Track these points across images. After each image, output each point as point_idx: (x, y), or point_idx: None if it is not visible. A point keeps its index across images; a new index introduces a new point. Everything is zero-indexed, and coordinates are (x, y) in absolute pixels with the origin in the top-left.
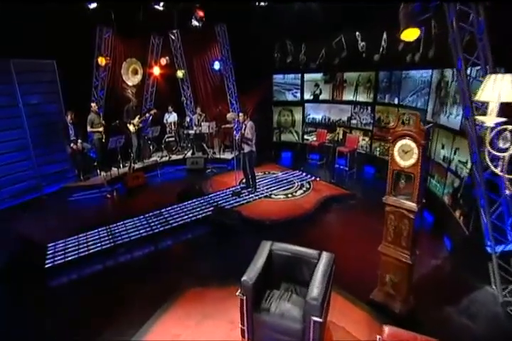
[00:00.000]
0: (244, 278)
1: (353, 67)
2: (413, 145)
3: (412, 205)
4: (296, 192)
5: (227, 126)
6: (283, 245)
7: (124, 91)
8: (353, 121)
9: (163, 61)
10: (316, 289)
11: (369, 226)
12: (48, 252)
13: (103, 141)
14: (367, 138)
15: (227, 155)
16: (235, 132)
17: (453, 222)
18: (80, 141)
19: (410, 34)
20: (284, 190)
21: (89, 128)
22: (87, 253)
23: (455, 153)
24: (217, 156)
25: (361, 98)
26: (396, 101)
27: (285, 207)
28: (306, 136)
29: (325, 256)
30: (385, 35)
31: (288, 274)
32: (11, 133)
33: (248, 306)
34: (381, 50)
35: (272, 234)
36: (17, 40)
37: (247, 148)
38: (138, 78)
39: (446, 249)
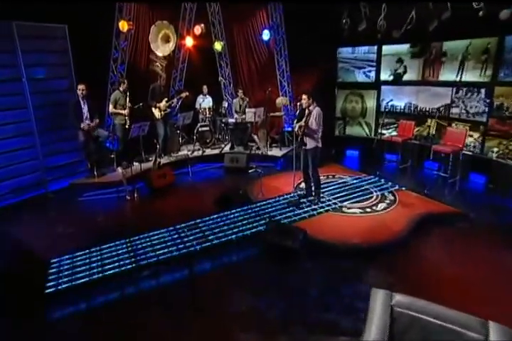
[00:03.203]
0: None
1: (459, 32)
2: None
3: None
4: (376, 205)
5: (276, 114)
6: (411, 300)
7: (152, 65)
8: (454, 110)
9: (198, 30)
10: None
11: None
12: (51, 271)
13: (126, 127)
14: (476, 134)
15: (275, 152)
16: (295, 122)
17: None
18: (93, 122)
19: None
20: (358, 201)
21: (111, 109)
22: (101, 275)
23: None
24: (263, 152)
25: (470, 77)
26: None
27: (364, 227)
28: (380, 130)
29: (497, 330)
30: None
31: None
32: (12, 114)
33: None
34: None
35: (352, 266)
36: None
37: (310, 143)
38: (170, 47)
39: None
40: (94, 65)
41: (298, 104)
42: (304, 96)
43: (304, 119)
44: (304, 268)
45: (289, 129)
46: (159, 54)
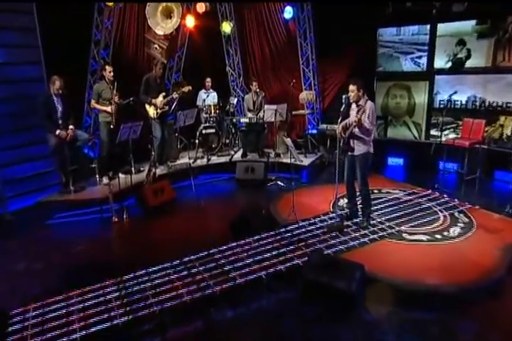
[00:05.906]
0: None
1: None
2: None
3: None
4: (447, 230)
5: (300, 112)
6: None
7: (148, 48)
8: None
9: (201, 7)
10: None
11: None
12: (11, 328)
13: (111, 127)
14: None
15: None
16: (339, 122)
17: None
18: (71, 126)
19: None
20: (421, 224)
21: (93, 103)
22: (83, 334)
23: None
24: (284, 160)
25: None
26: None
27: (438, 261)
28: (440, 132)
29: None
30: None
31: None
32: None
33: None
34: None
35: (432, 318)
36: None
37: (360, 148)
38: (172, 24)
39: None
40: (70, 48)
41: (344, 97)
42: (353, 88)
43: (355, 117)
44: (364, 320)
45: (314, 131)
46: (159, 32)
